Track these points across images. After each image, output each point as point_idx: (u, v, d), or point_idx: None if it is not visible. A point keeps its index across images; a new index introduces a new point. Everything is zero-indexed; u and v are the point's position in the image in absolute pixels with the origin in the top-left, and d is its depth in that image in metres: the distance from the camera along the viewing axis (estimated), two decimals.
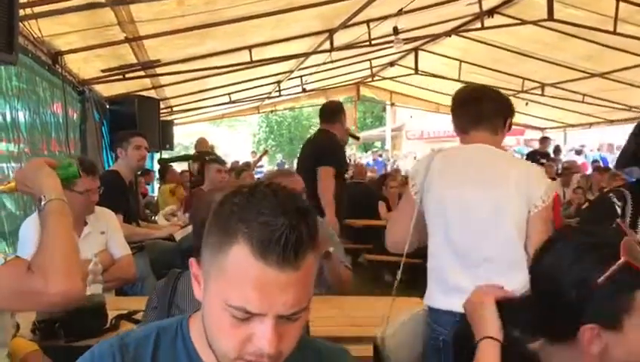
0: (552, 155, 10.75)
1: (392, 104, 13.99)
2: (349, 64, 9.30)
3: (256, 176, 8.74)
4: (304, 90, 10.48)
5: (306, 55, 7.65)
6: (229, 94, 9.24)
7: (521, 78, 9.28)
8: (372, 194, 7.42)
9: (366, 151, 21.13)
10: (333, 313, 2.47)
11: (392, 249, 2.27)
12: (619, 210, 1.76)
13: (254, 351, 0.86)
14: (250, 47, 6.24)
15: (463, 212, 2.01)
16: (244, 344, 0.86)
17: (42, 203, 1.44)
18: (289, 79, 9.50)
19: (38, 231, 1.43)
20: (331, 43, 6.85)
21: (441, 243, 2.07)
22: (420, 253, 2.21)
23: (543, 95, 9.80)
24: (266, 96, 10.79)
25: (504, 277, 1.69)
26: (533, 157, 9.04)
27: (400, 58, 10.01)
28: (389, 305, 2.12)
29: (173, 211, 5.35)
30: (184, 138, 13.97)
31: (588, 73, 8.44)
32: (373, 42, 7.03)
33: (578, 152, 13.48)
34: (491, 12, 6.80)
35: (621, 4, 5.71)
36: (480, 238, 1.99)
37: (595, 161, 12.20)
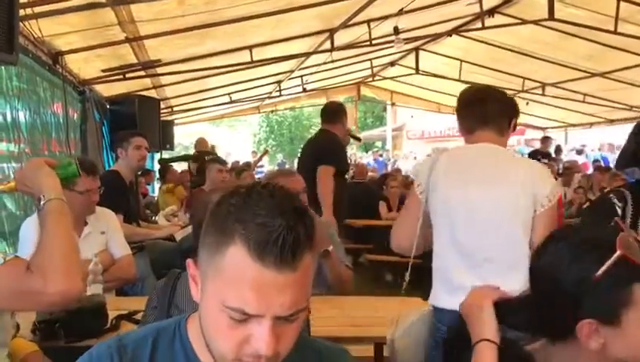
0: (553, 155, 10.75)
1: (393, 104, 13.99)
2: (350, 64, 9.30)
3: (256, 176, 8.74)
4: (304, 90, 10.48)
5: (307, 55, 7.65)
6: (229, 94, 9.24)
7: (521, 77, 9.27)
8: (373, 194, 7.42)
9: (367, 152, 21.12)
10: (334, 313, 2.46)
11: (397, 250, 2.25)
12: (619, 211, 1.76)
13: (252, 353, 0.86)
14: (250, 47, 6.24)
15: (468, 212, 2.01)
16: (241, 345, 0.86)
17: (41, 202, 1.44)
18: (289, 79, 9.50)
19: (38, 231, 1.43)
20: (332, 43, 6.85)
21: (446, 243, 2.06)
22: (422, 253, 2.21)
23: (543, 95, 9.80)
24: (266, 96, 10.79)
25: (509, 277, 1.69)
26: (535, 156, 9.02)
27: (400, 58, 10.01)
28: (389, 305, 2.12)
29: (173, 211, 5.35)
30: (184, 138, 13.97)
31: (589, 73, 8.44)
32: (373, 42, 7.03)
33: (579, 152, 13.47)
34: (492, 12, 6.80)
35: (622, 3, 5.71)
36: (485, 238, 1.98)
37: (595, 161, 12.19)
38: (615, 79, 8.46)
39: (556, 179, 8.46)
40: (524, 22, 6.76)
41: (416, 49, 9.06)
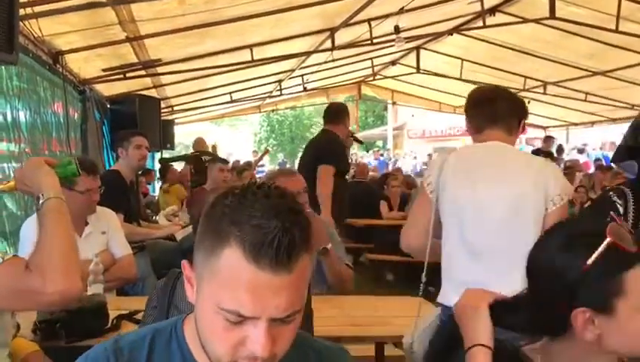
0: (555, 154, 10.73)
1: (394, 103, 13.98)
2: (351, 63, 9.29)
3: (257, 176, 8.75)
4: (305, 90, 10.47)
5: (307, 54, 7.64)
6: (230, 93, 9.24)
7: (523, 76, 9.26)
8: (373, 193, 7.42)
9: (367, 151, 21.13)
10: (334, 312, 2.46)
11: (407, 250, 2.23)
12: (620, 209, 1.75)
13: (247, 355, 0.85)
14: (251, 46, 6.24)
15: (477, 211, 2.00)
16: (237, 347, 0.85)
17: (40, 201, 1.43)
18: (290, 78, 9.49)
19: (38, 230, 1.43)
20: (332, 42, 6.84)
21: (455, 242, 2.06)
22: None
23: (545, 93, 9.79)
24: (267, 95, 10.79)
25: (519, 276, 1.68)
26: (537, 155, 9.01)
27: (401, 57, 10.00)
28: (390, 305, 2.11)
29: (174, 211, 5.36)
30: (185, 137, 13.95)
31: (590, 71, 8.42)
32: (374, 41, 7.03)
33: (580, 151, 13.45)
34: (493, 10, 6.79)
35: (623, 2, 5.69)
36: (494, 237, 1.97)
37: (597, 160, 12.17)
38: (616, 78, 8.45)
39: None
40: (525, 20, 6.74)
41: (417, 48, 9.05)
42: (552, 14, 6.03)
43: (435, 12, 6.77)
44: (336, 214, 4.33)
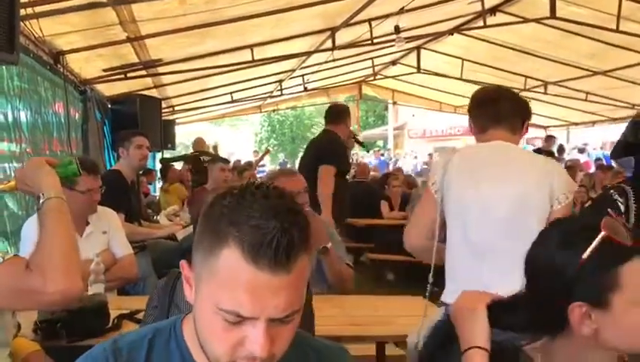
0: (556, 154, 10.72)
1: (394, 103, 13.97)
2: (351, 63, 9.29)
3: (258, 176, 8.76)
4: (306, 89, 10.47)
5: (308, 54, 7.64)
6: (230, 93, 9.24)
7: (523, 76, 9.25)
8: (374, 193, 7.42)
9: (367, 152, 21.12)
10: (335, 312, 2.46)
11: (410, 250, 2.22)
12: (622, 207, 1.75)
13: (246, 355, 0.85)
14: (251, 46, 6.24)
15: (481, 211, 2.00)
16: (235, 347, 0.86)
17: (41, 201, 1.44)
18: (291, 78, 9.49)
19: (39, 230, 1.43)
20: (333, 42, 6.84)
21: (459, 242, 2.06)
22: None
23: (545, 93, 9.78)
24: (267, 95, 10.79)
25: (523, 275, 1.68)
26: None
27: (402, 57, 9.99)
28: (390, 305, 2.11)
29: (175, 211, 5.36)
30: (186, 137, 13.97)
31: (591, 71, 8.42)
32: (375, 41, 7.02)
33: (581, 151, 13.43)
34: (493, 10, 6.78)
35: (624, 2, 5.69)
36: (499, 237, 1.97)
37: (598, 160, 12.16)
38: (617, 77, 8.44)
39: None
40: (525, 20, 6.74)
41: (418, 48, 9.05)
42: (553, 14, 6.03)
43: (436, 12, 6.76)
44: (337, 214, 4.34)
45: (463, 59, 9.01)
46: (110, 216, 2.98)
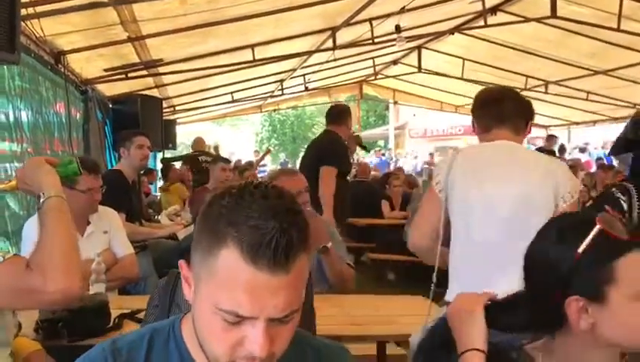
0: (557, 154, 10.71)
1: (395, 102, 13.96)
2: (352, 62, 9.29)
3: (259, 175, 8.76)
4: (307, 89, 10.47)
5: (309, 53, 7.64)
6: (231, 93, 9.24)
7: (524, 75, 9.24)
8: (375, 193, 7.42)
9: (368, 152, 21.10)
10: (335, 311, 2.46)
11: (413, 249, 2.21)
12: (624, 205, 1.75)
13: (246, 355, 0.85)
14: (252, 46, 6.24)
15: (486, 210, 2.00)
16: (235, 347, 0.86)
17: (41, 200, 1.44)
18: (291, 78, 9.49)
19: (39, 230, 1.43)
20: (334, 41, 6.84)
21: (463, 242, 2.06)
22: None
23: (546, 93, 9.77)
24: (268, 95, 10.79)
25: None
26: None
27: (403, 56, 9.99)
28: (391, 304, 2.11)
29: (177, 211, 5.36)
30: (187, 137, 13.96)
31: (592, 70, 8.41)
32: (375, 40, 7.02)
33: (582, 150, 13.43)
34: (494, 9, 6.77)
35: (625, 1, 5.68)
36: (503, 236, 1.97)
37: (599, 159, 12.15)
38: (618, 77, 8.43)
39: None
40: (526, 20, 6.73)
41: (419, 47, 9.04)
42: (554, 13, 6.03)
43: (437, 11, 6.76)
44: (338, 214, 4.34)
45: (463, 59, 9.01)
46: (111, 216, 2.98)
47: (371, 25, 6.68)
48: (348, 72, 10.41)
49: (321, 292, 2.60)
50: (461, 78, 9.39)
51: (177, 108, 9.44)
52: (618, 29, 6.00)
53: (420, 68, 9.44)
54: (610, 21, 6.06)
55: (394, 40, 6.80)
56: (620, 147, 1.94)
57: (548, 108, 11.11)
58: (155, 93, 7.08)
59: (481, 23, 6.91)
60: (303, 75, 9.59)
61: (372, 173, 10.22)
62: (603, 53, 7.59)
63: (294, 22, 5.97)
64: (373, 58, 9.59)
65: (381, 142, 24.89)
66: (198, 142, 8.12)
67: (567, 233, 1.07)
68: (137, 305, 2.32)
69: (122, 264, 2.87)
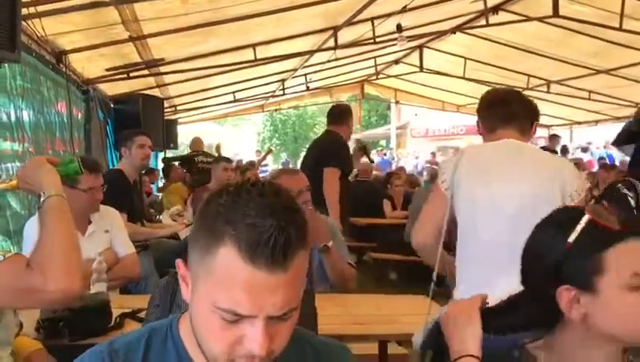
0: (559, 154, 10.70)
1: (397, 102, 13.96)
2: (354, 62, 9.28)
3: (261, 175, 8.76)
4: (308, 89, 10.46)
5: (310, 53, 7.64)
6: (233, 93, 9.24)
7: (526, 75, 9.23)
8: (377, 192, 7.42)
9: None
10: (337, 311, 2.45)
11: (417, 248, 2.21)
12: (632, 201, 1.75)
13: (245, 354, 0.85)
14: (254, 45, 6.24)
15: (492, 209, 2.01)
16: (234, 346, 0.85)
17: (42, 199, 1.43)
18: (293, 77, 9.49)
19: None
20: (335, 41, 6.84)
21: (470, 241, 2.06)
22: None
23: (548, 92, 9.75)
24: (270, 94, 10.79)
25: None
26: None
27: (405, 56, 9.98)
28: (392, 304, 2.10)
29: (179, 211, 5.36)
30: (188, 137, 13.98)
31: (594, 70, 8.40)
32: (377, 40, 7.01)
33: (584, 150, 13.41)
34: (496, 9, 6.77)
35: (627, 0, 5.67)
36: (510, 235, 1.96)
37: (601, 159, 12.14)
38: (620, 76, 8.42)
39: None
40: (528, 19, 6.73)
41: (421, 47, 9.04)
42: (556, 12, 6.02)
43: (438, 11, 6.75)
44: (340, 214, 4.33)
45: (465, 58, 9.00)
46: (113, 215, 2.98)
47: (373, 24, 6.67)
48: (349, 72, 10.40)
49: (324, 291, 2.59)
50: (463, 78, 9.38)
51: (179, 107, 9.44)
52: (620, 29, 6.00)
53: (421, 67, 9.43)
54: (612, 20, 6.04)
55: (395, 39, 6.80)
56: (623, 138, 1.97)
57: (550, 108, 11.09)
58: (156, 92, 7.08)
59: (483, 22, 6.90)
60: (305, 75, 9.58)
61: (374, 172, 10.22)
62: (605, 53, 7.58)
63: (295, 21, 5.97)
64: (374, 57, 9.58)
65: (383, 142, 24.89)
66: (196, 142, 8.10)
67: (558, 223, 1.08)
68: (138, 305, 2.32)
69: (123, 263, 2.87)
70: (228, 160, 5.76)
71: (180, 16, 4.64)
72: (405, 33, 6.68)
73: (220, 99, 9.59)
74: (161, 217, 5.65)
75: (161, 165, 8.75)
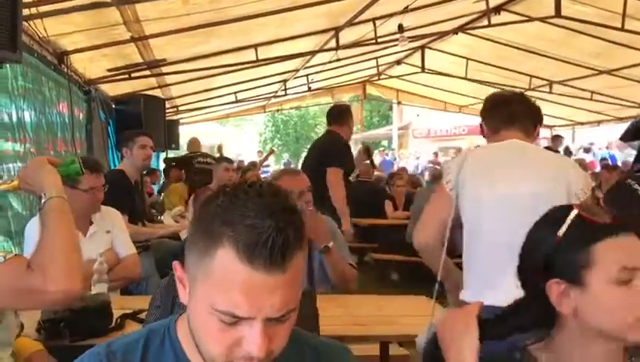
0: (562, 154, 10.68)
1: (399, 103, 13.96)
2: (355, 62, 9.28)
3: (262, 176, 8.75)
4: (310, 89, 10.46)
5: (312, 53, 7.64)
6: (235, 93, 9.25)
7: (528, 75, 9.22)
8: (378, 192, 7.41)
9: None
10: (339, 312, 2.45)
11: (419, 248, 2.20)
12: None
13: (244, 355, 0.85)
14: (255, 46, 6.24)
15: (498, 210, 2.01)
16: (232, 348, 0.85)
17: (42, 200, 1.43)
18: (295, 78, 9.49)
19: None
20: (337, 41, 6.83)
21: (476, 242, 2.06)
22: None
23: (550, 93, 9.74)
24: (271, 95, 10.79)
25: None
26: None
27: (406, 56, 9.98)
28: (394, 304, 2.10)
29: (181, 212, 5.36)
30: (190, 137, 13.99)
31: (596, 70, 8.38)
32: (379, 40, 7.01)
33: (587, 150, 13.39)
34: (498, 9, 6.76)
35: (629, 0, 5.66)
36: (516, 235, 1.96)
37: (603, 159, 12.11)
38: (623, 76, 8.40)
39: None
40: (530, 19, 6.72)
41: (422, 47, 9.03)
42: (558, 13, 6.01)
43: (440, 11, 6.75)
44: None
45: (467, 59, 8.99)
46: (114, 216, 2.98)
47: (374, 25, 6.67)
48: (351, 72, 10.40)
49: (325, 292, 2.59)
50: (465, 78, 9.37)
51: (180, 108, 9.45)
52: (622, 29, 5.99)
53: (423, 68, 9.43)
54: (614, 20, 6.03)
55: (397, 40, 6.79)
56: (631, 135, 1.98)
57: (552, 108, 11.07)
58: (158, 93, 7.09)
59: (485, 22, 6.89)
60: (306, 75, 9.58)
61: (375, 173, 10.21)
62: (607, 53, 7.57)
63: (297, 22, 5.97)
64: (376, 58, 9.58)
65: (385, 143, 24.89)
66: (193, 143, 8.07)
67: (549, 219, 1.10)
68: (139, 306, 2.32)
69: (124, 264, 2.87)
70: (229, 160, 5.76)
71: (181, 17, 4.64)
72: (407, 34, 6.68)
73: (222, 99, 9.59)
74: (162, 218, 5.65)
75: (162, 166, 8.75)
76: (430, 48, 9.07)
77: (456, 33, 7.74)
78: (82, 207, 2.66)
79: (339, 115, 4.72)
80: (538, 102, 2.36)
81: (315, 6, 5.37)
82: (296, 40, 6.74)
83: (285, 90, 10.16)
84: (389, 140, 24.00)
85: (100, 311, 2.18)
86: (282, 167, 17.66)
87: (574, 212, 1.06)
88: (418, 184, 8.57)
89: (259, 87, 9.31)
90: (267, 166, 13.59)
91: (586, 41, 7.21)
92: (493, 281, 1.90)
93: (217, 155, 8.21)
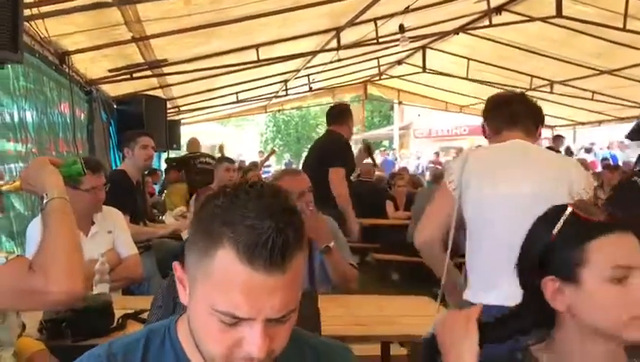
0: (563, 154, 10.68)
1: (400, 103, 13.96)
2: (357, 62, 9.28)
3: (264, 176, 8.76)
4: (311, 89, 10.47)
5: (313, 53, 7.64)
6: (236, 93, 9.25)
7: (529, 75, 9.22)
8: (379, 193, 7.41)
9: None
10: (340, 312, 2.45)
11: (420, 247, 2.20)
12: None
13: (244, 356, 0.85)
14: (257, 46, 6.24)
15: (502, 209, 2.01)
16: (232, 349, 0.85)
17: (44, 201, 1.43)
18: (296, 78, 9.49)
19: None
20: (338, 41, 6.83)
21: (479, 241, 2.06)
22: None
23: (552, 93, 9.73)
24: (273, 95, 10.79)
25: None
26: None
27: (408, 56, 9.98)
28: (395, 304, 2.10)
29: (183, 212, 5.36)
30: (190, 137, 13.99)
31: (597, 70, 8.38)
32: (380, 40, 7.01)
33: (588, 150, 13.38)
34: (499, 9, 6.76)
35: (630, 0, 5.65)
36: (519, 235, 1.96)
37: (604, 159, 12.10)
38: (624, 76, 8.39)
39: None
40: (531, 19, 6.71)
41: (423, 47, 9.03)
42: (559, 13, 6.01)
43: (441, 11, 6.75)
44: (339, 213, 4.33)
45: (468, 59, 9.00)
46: (115, 216, 2.98)
47: (376, 25, 6.67)
48: (352, 73, 10.40)
49: (326, 292, 2.59)
50: (466, 78, 9.37)
51: (182, 108, 9.46)
52: (624, 29, 5.98)
53: (424, 68, 9.43)
54: (615, 20, 6.03)
55: (398, 40, 6.79)
56: (636, 133, 2.00)
57: (553, 108, 11.07)
58: (159, 93, 7.10)
59: (486, 22, 6.89)
60: (308, 76, 9.59)
61: (377, 173, 10.21)
62: (608, 53, 7.56)
63: (299, 22, 5.97)
64: (377, 58, 9.58)
65: (386, 143, 24.88)
66: (193, 144, 8.07)
67: (546, 218, 1.11)
68: (141, 306, 2.32)
69: (126, 264, 2.87)
70: (230, 160, 5.76)
71: (182, 17, 4.64)
72: (408, 34, 6.68)
73: (223, 99, 9.60)
74: (163, 218, 5.65)
75: (164, 166, 8.76)
76: (431, 48, 9.07)
77: (457, 33, 7.74)
78: (84, 207, 2.66)
79: (338, 114, 4.72)
80: (539, 103, 2.35)
81: (317, 6, 5.37)
82: (297, 40, 6.74)
83: (286, 90, 10.16)
84: (390, 140, 23.99)
85: (101, 311, 2.19)
86: (283, 167, 17.66)
87: (569, 210, 1.07)
88: (419, 184, 8.57)
89: (260, 87, 9.31)
90: (268, 166, 13.61)
91: (587, 41, 7.21)
92: (496, 281, 1.91)
93: (219, 155, 8.21)
